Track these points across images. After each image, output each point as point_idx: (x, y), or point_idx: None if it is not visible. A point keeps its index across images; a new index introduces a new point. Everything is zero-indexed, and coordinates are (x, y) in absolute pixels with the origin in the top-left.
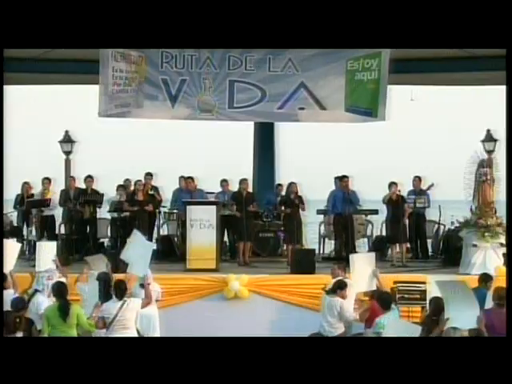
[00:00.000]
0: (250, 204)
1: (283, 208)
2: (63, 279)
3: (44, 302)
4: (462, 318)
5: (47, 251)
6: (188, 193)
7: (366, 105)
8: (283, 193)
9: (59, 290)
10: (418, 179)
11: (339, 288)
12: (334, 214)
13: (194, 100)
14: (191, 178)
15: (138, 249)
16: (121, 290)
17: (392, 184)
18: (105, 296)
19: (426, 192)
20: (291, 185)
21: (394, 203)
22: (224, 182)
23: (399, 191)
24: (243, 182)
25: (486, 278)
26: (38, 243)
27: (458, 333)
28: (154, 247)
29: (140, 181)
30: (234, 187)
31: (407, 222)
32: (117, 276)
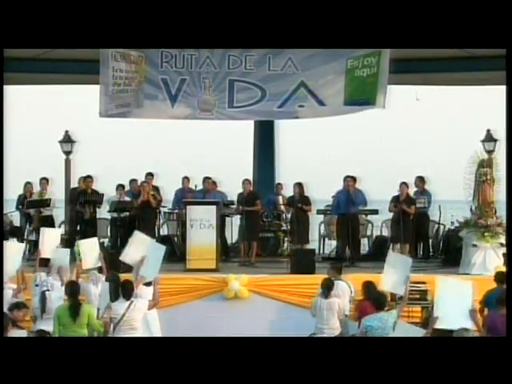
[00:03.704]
0: (254, 203)
1: (282, 208)
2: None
3: (51, 294)
4: (452, 318)
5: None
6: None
7: (365, 96)
8: (283, 192)
9: (72, 290)
10: (419, 179)
11: (330, 288)
12: (337, 214)
13: (194, 100)
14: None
15: (149, 251)
16: (128, 291)
17: (402, 184)
18: (115, 297)
19: (427, 192)
20: (295, 185)
21: (402, 203)
22: (208, 180)
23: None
24: (245, 182)
25: (501, 278)
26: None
27: (470, 334)
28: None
29: (145, 182)
30: (229, 187)
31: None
32: (124, 276)
